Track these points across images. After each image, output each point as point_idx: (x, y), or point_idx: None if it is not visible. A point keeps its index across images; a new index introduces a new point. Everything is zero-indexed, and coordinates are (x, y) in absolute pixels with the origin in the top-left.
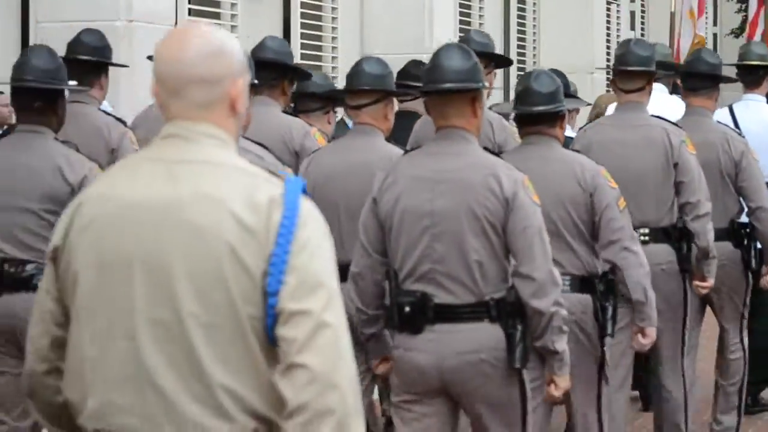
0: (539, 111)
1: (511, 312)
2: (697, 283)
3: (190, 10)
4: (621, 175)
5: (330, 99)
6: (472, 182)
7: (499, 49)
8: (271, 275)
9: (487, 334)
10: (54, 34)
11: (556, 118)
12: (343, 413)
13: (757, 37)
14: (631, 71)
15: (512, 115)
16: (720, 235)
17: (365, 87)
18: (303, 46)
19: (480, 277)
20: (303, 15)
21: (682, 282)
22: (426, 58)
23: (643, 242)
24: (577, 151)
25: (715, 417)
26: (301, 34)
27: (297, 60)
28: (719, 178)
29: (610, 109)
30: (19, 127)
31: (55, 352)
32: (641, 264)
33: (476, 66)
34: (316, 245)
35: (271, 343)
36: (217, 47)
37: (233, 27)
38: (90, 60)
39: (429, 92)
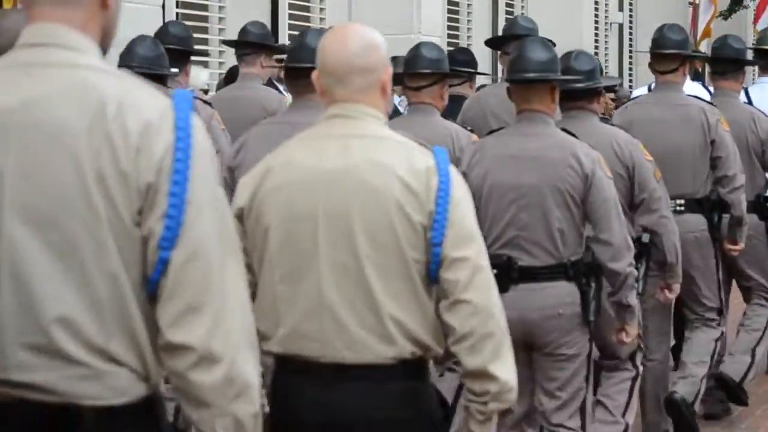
0: (580, 87)
1: (585, 272)
2: (729, 246)
3: None
4: (660, 150)
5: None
6: (554, 160)
7: (487, 32)
8: (435, 230)
9: (565, 291)
10: None
11: (594, 94)
12: (500, 335)
13: (764, 22)
14: (665, 54)
15: None
16: (747, 209)
17: (424, 70)
18: (291, 27)
19: (561, 243)
20: None
21: (713, 248)
22: (414, 39)
23: (679, 212)
24: (619, 127)
25: (729, 351)
26: (289, 15)
27: (285, 42)
28: (746, 155)
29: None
30: None
31: None
32: (674, 230)
33: (556, 58)
34: (465, 204)
35: (433, 282)
36: (372, 42)
37: (221, 8)
38: (177, 48)
39: (514, 81)
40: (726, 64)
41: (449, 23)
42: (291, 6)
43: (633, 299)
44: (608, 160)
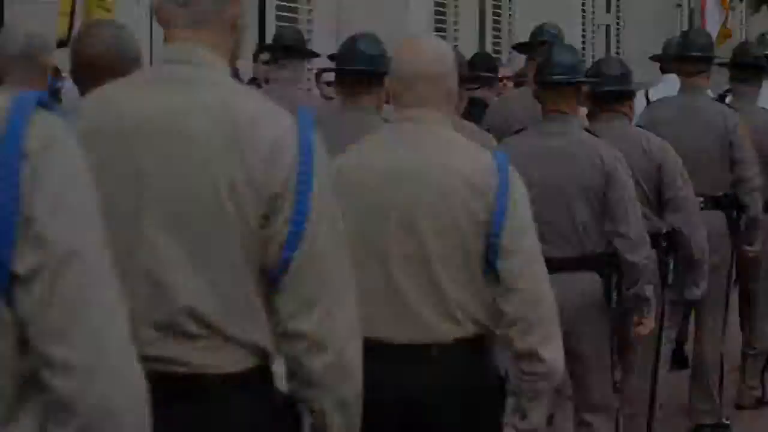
0: (611, 90)
1: (607, 263)
2: (745, 247)
3: None
4: (681, 149)
5: None
6: (578, 157)
7: (473, 34)
8: (494, 223)
9: (588, 281)
10: (29, 15)
11: (625, 98)
12: (549, 321)
13: None
14: (691, 57)
15: None
16: (763, 209)
17: None
18: (279, 29)
19: (584, 235)
20: None
21: (731, 244)
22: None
23: (700, 208)
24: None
25: (744, 382)
26: (277, 16)
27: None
28: (762, 156)
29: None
30: None
31: None
32: (700, 227)
33: (582, 62)
34: (521, 199)
35: (490, 270)
36: (441, 54)
37: None
38: None
39: (542, 83)
40: (745, 69)
41: (437, 24)
42: (279, 8)
43: (650, 291)
44: (638, 161)
